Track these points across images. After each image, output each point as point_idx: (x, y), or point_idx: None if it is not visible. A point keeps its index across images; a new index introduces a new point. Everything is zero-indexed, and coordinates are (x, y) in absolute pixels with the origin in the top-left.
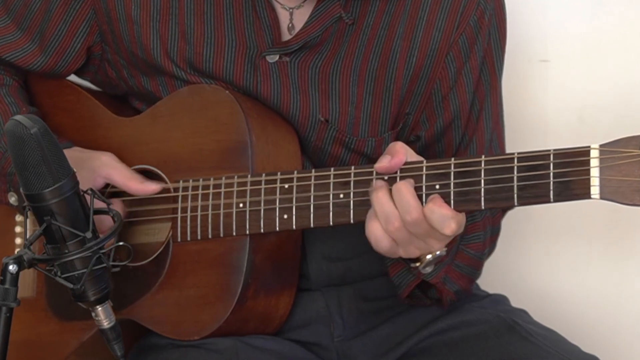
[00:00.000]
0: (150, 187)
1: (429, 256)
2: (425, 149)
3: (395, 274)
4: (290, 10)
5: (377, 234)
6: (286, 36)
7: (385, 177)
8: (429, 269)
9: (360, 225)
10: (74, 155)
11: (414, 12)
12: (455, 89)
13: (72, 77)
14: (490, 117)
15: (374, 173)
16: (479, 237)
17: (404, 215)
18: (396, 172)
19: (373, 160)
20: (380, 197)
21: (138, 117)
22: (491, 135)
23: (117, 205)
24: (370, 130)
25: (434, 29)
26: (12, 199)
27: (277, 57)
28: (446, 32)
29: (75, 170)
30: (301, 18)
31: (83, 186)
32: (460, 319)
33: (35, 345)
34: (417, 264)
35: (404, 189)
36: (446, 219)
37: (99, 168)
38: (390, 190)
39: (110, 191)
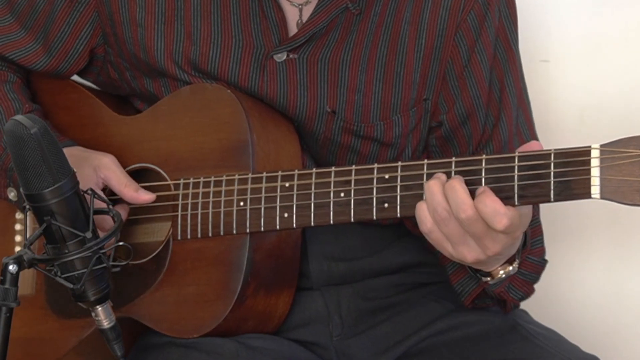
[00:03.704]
0: (144, 197)
1: (501, 272)
2: (452, 133)
3: (457, 281)
4: (299, 6)
5: (423, 214)
6: (294, 33)
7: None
8: (493, 282)
9: (363, 226)
10: (76, 153)
11: None
12: (469, 67)
13: (74, 77)
14: (514, 93)
15: (375, 171)
16: (540, 242)
17: (457, 213)
18: (397, 171)
19: (385, 144)
20: (431, 185)
21: (139, 116)
22: (517, 112)
23: (121, 208)
24: (381, 115)
25: (440, 7)
26: (12, 194)
27: (284, 56)
28: (453, 11)
29: (76, 168)
30: (310, 14)
31: (85, 184)
32: (461, 319)
33: (34, 342)
34: (488, 279)
35: (458, 185)
36: (496, 214)
37: (99, 169)
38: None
39: (114, 198)
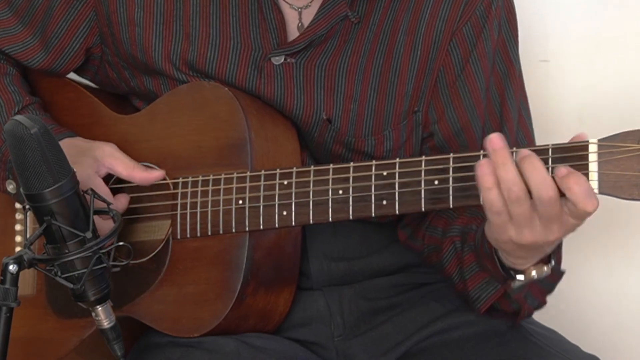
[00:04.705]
0: (154, 174)
1: (533, 273)
2: (446, 144)
3: (473, 287)
4: (299, 9)
5: (494, 196)
6: (293, 37)
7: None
8: (519, 284)
9: (363, 226)
10: (76, 144)
11: (417, 7)
12: (462, 77)
13: (72, 75)
14: (515, 108)
15: (373, 168)
16: (560, 250)
17: (539, 192)
18: (395, 167)
19: (375, 158)
20: (509, 166)
21: (137, 115)
22: (517, 126)
23: (121, 199)
24: (374, 127)
25: (437, 19)
26: (10, 187)
27: (282, 59)
28: (449, 22)
29: (77, 158)
30: (309, 17)
31: (85, 174)
32: (461, 319)
33: (35, 342)
34: (521, 277)
35: (538, 163)
36: (589, 195)
37: (102, 158)
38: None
39: (111, 186)
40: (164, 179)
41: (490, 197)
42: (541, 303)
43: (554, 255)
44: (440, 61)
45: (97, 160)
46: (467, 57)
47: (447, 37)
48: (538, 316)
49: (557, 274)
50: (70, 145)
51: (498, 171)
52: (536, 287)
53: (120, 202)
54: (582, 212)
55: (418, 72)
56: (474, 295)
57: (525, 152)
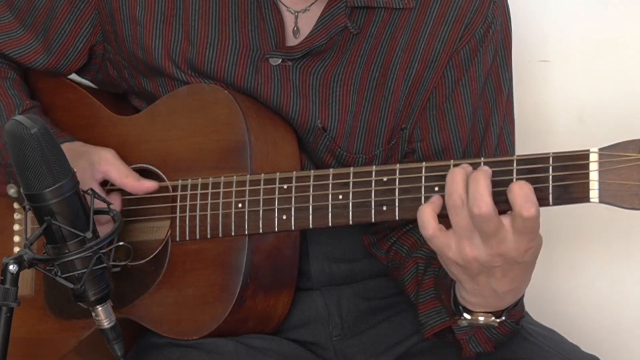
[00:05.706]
0: (146, 185)
1: (480, 318)
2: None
3: (423, 311)
4: (296, 13)
5: (426, 217)
6: (291, 39)
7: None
8: (465, 322)
9: (363, 227)
10: (74, 148)
11: (417, 25)
12: (451, 100)
13: (72, 75)
14: (496, 133)
15: (373, 174)
16: (521, 305)
17: (471, 207)
18: (396, 173)
19: None
20: (455, 172)
21: (137, 116)
22: (495, 150)
23: (115, 199)
24: (366, 142)
25: (436, 40)
26: (12, 191)
27: (279, 60)
28: (448, 43)
29: (73, 162)
30: (306, 22)
31: (81, 178)
32: None
33: (34, 342)
34: (467, 316)
35: (481, 178)
36: (529, 201)
37: (98, 163)
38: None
39: (109, 188)
40: (160, 190)
41: (423, 218)
42: (485, 351)
43: (507, 311)
44: (434, 82)
45: (94, 165)
46: (459, 80)
47: (445, 58)
48: (538, 316)
49: (510, 329)
50: (68, 149)
51: (447, 179)
52: (483, 335)
53: (115, 200)
54: (519, 218)
55: (410, 89)
56: (422, 320)
57: (479, 170)
